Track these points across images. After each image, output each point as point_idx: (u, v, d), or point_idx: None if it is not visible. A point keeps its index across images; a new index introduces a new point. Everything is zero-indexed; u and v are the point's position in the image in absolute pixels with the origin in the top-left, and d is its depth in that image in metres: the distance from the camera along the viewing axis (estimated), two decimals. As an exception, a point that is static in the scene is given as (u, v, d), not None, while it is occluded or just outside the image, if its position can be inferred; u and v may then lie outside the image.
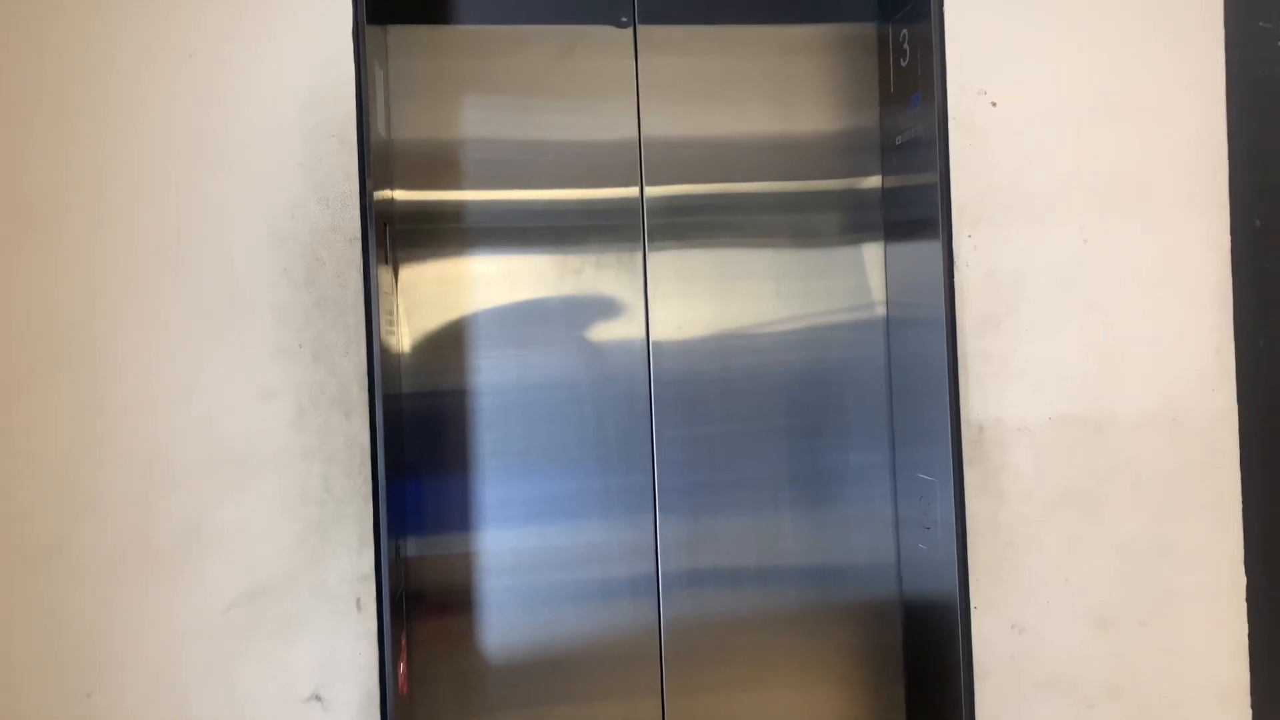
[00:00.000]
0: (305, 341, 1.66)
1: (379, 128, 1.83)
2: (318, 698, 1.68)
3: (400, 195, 2.02)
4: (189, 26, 1.67)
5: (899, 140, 2.05)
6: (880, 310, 2.13)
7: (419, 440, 2.01)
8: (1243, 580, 1.89)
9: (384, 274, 1.82)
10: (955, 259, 1.84)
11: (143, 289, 1.65)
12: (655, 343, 2.07)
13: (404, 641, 1.91)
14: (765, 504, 2.11)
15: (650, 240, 2.07)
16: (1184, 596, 1.88)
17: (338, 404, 1.67)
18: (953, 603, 1.85)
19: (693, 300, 2.09)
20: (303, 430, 1.66)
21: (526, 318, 2.04)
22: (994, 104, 1.86)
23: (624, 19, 2.09)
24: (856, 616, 2.13)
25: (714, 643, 2.08)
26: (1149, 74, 1.89)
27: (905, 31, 2.00)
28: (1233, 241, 1.92)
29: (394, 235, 1.98)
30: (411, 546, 2.01)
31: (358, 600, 1.68)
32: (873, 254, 2.14)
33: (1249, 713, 1.90)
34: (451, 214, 2.04)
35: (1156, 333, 1.89)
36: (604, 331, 2.06)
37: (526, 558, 2.04)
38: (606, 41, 2.09)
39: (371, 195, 1.68)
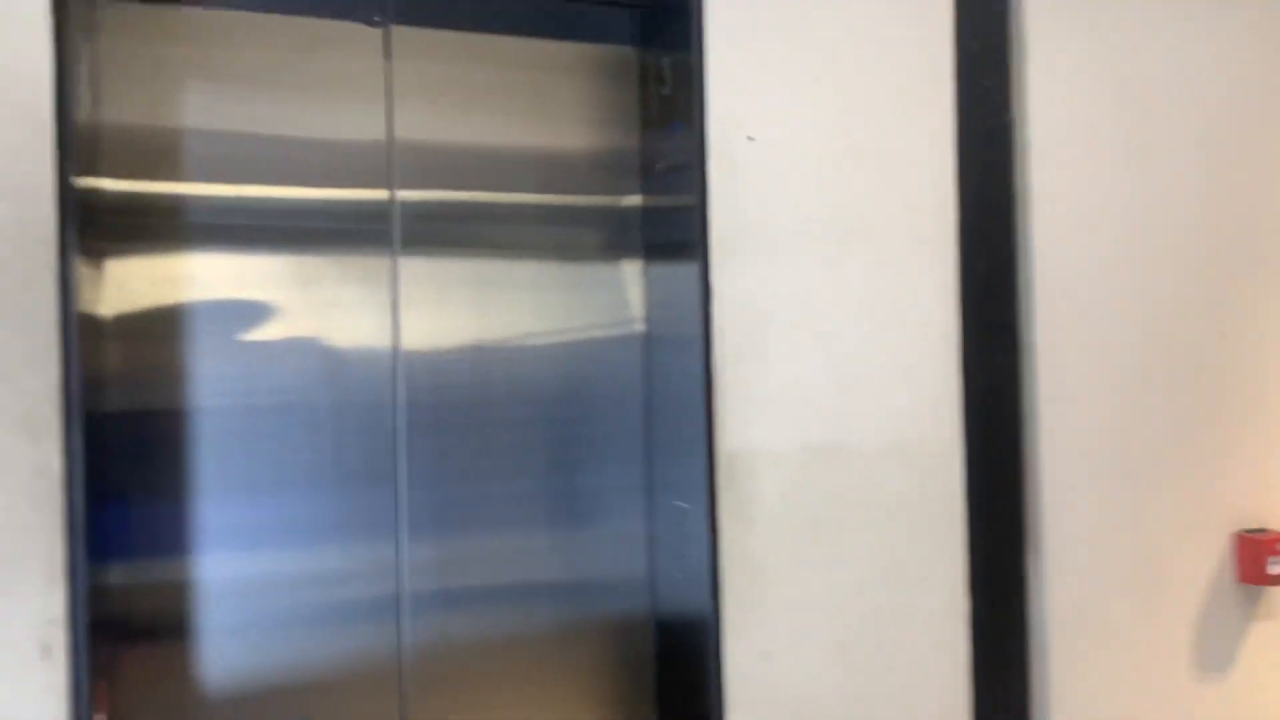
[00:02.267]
0: (-20, 355, 1.43)
1: (82, 116, 1.61)
2: (-8, 768, 1.44)
3: (110, 185, 1.79)
4: None
5: (659, 167, 2.06)
6: (639, 327, 2.13)
7: (131, 460, 1.79)
8: (965, 604, 2.02)
9: (88, 267, 1.60)
10: (712, 289, 1.85)
11: None
12: (405, 352, 1.96)
13: (104, 689, 1.68)
14: (519, 522, 2.05)
15: (404, 246, 1.97)
16: (912, 620, 1.97)
17: (22, 426, 1.44)
18: (705, 630, 1.85)
19: (447, 309, 2.00)
20: (-26, 457, 1.43)
21: (257, 322, 1.88)
22: (750, 139, 1.90)
23: (376, 18, 1.97)
24: (610, 630, 2.10)
25: (461, 664, 1.99)
26: (891, 123, 2.00)
27: (666, 60, 2.01)
28: (961, 283, 2.05)
29: (101, 230, 1.75)
30: (117, 574, 1.78)
31: (46, 647, 1.46)
32: (632, 272, 2.14)
33: (968, 730, 2.03)
34: (170, 208, 1.84)
35: (890, 367, 1.99)
36: (348, 337, 1.93)
37: (255, 583, 1.87)
38: (357, 39, 1.96)
39: (73, 190, 1.47)
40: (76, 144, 1.51)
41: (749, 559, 1.87)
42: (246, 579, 1.87)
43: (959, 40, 2.06)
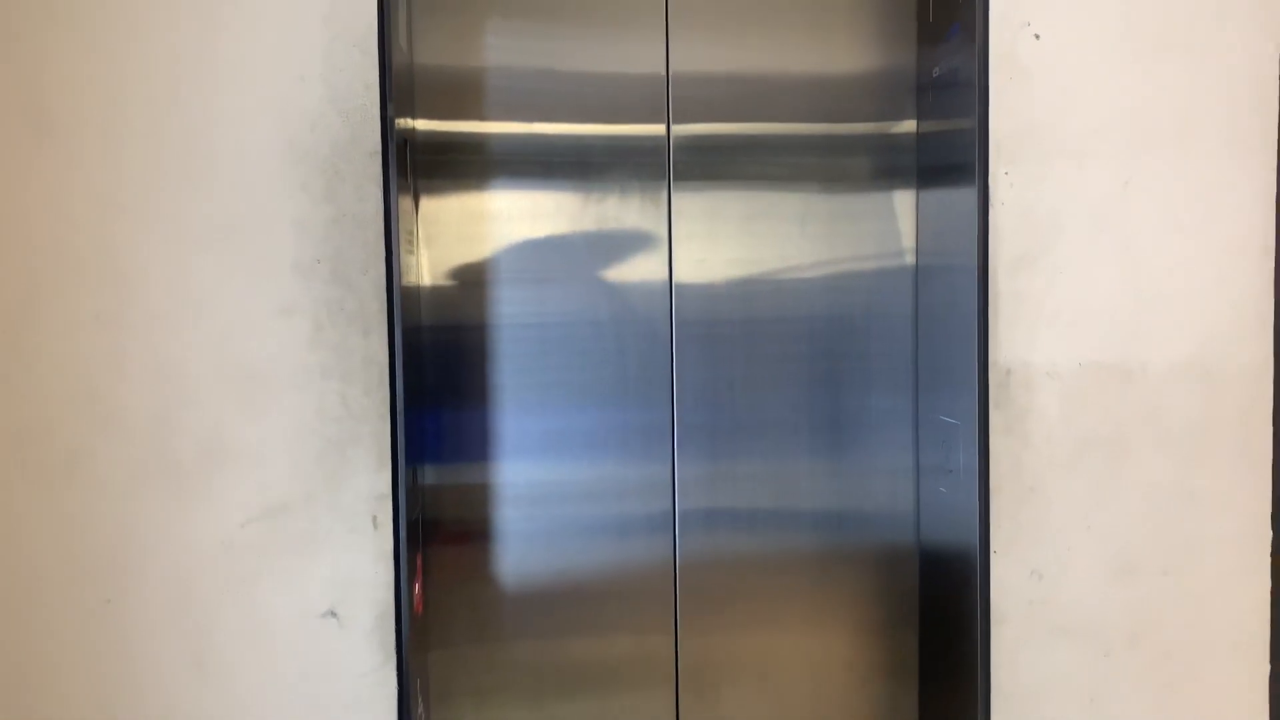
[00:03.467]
0: (324, 257, 1.65)
1: (400, 42, 1.79)
2: (333, 614, 1.69)
3: (421, 125, 1.98)
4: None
5: (936, 72, 1.98)
6: (909, 259, 2.09)
7: (439, 371, 2.00)
8: (1268, 534, 1.86)
9: (404, 198, 1.79)
10: (991, 197, 1.79)
11: (162, 202, 1.63)
12: (678, 283, 2.04)
13: (420, 564, 1.91)
14: (785, 447, 2.09)
15: (675, 179, 2.03)
16: (1207, 546, 1.85)
17: (356, 321, 1.66)
18: (972, 548, 1.83)
19: (718, 241, 2.05)
20: (320, 347, 1.65)
21: (547, 252, 2.02)
22: (1037, 36, 1.80)
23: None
24: (873, 560, 2.11)
25: (729, 582, 2.08)
26: (1198, 13, 1.82)
27: (947, -41, 1.93)
28: (1278, 188, 1.85)
29: (414, 164, 1.95)
30: (429, 474, 2.01)
31: (374, 519, 1.69)
32: (904, 201, 2.09)
33: (1267, 665, 1.88)
34: (473, 145, 2.00)
35: (1193, 280, 1.84)
36: (626, 269, 2.04)
37: (543, 490, 2.03)
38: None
39: (392, 109, 1.65)
40: (395, 73, 1.67)
41: (1020, 477, 1.81)
42: (536, 485, 2.04)
43: (1291, -85, 1.83)
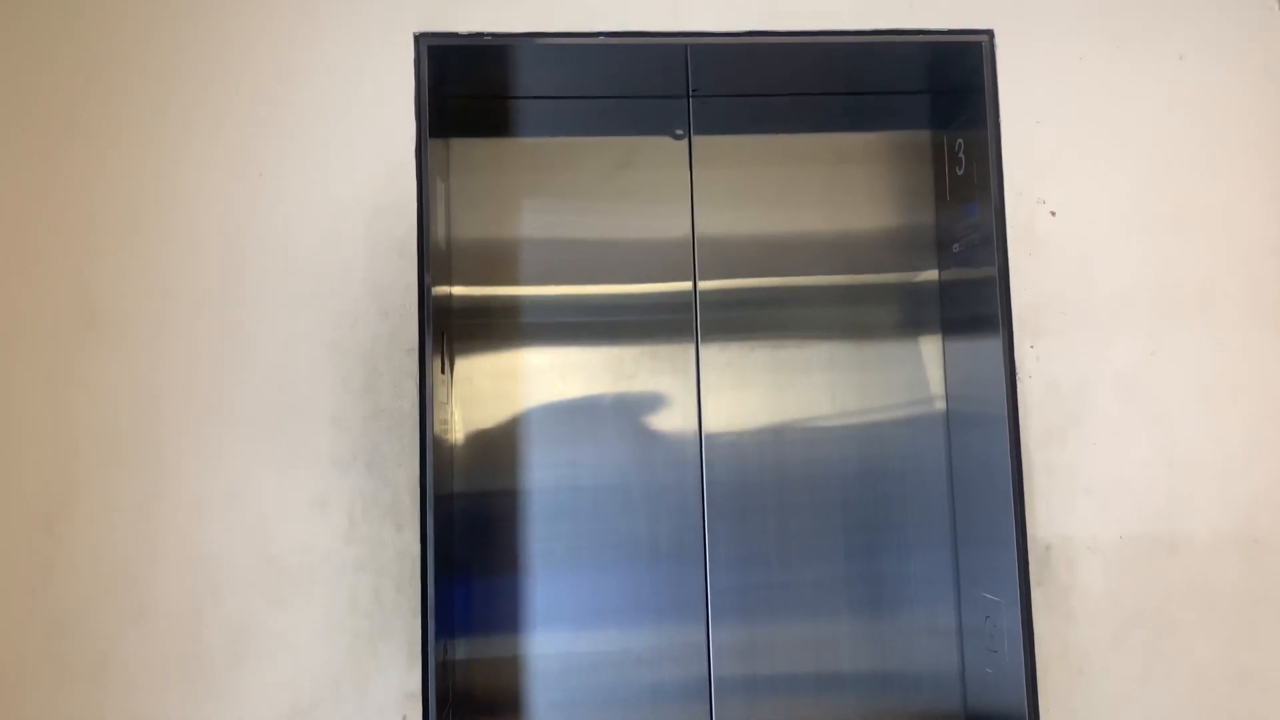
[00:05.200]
0: (360, 452, 1.67)
1: (438, 237, 1.86)
2: (361, 816, 1.64)
3: (458, 290, 2.06)
4: (261, 145, 1.73)
5: (956, 249, 2.03)
6: (939, 405, 2.10)
7: (469, 538, 2.00)
8: (1334, 715, 1.78)
9: (439, 384, 1.83)
10: (1018, 370, 1.80)
11: (204, 394, 1.67)
12: (708, 433, 2.06)
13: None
14: (822, 608, 2.06)
15: (705, 332, 2.08)
16: (1271, 731, 1.77)
17: (390, 515, 1.66)
18: (1023, 730, 1.76)
19: (746, 391, 2.08)
20: (354, 541, 1.66)
21: (578, 408, 2.06)
22: (1053, 213, 1.84)
23: (679, 131, 2.13)
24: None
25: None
26: (1210, 181, 1.87)
27: (961, 140, 2.00)
28: (1307, 353, 1.85)
29: (450, 330, 2.01)
30: (460, 648, 1.98)
31: (404, 718, 1.65)
32: (931, 349, 2.12)
33: None
34: (508, 308, 2.08)
35: (1229, 447, 1.82)
36: (657, 423, 2.06)
37: (575, 660, 2.00)
38: (662, 152, 2.12)
39: (430, 308, 1.70)
40: (433, 260, 1.74)
41: (1068, 657, 1.76)
42: (567, 655, 2.01)
43: (1292, 90, 1.90)
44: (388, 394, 1.68)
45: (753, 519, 2.06)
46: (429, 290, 1.70)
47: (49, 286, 1.67)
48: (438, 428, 1.77)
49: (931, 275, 2.14)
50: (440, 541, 1.72)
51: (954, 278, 2.06)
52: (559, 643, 2.00)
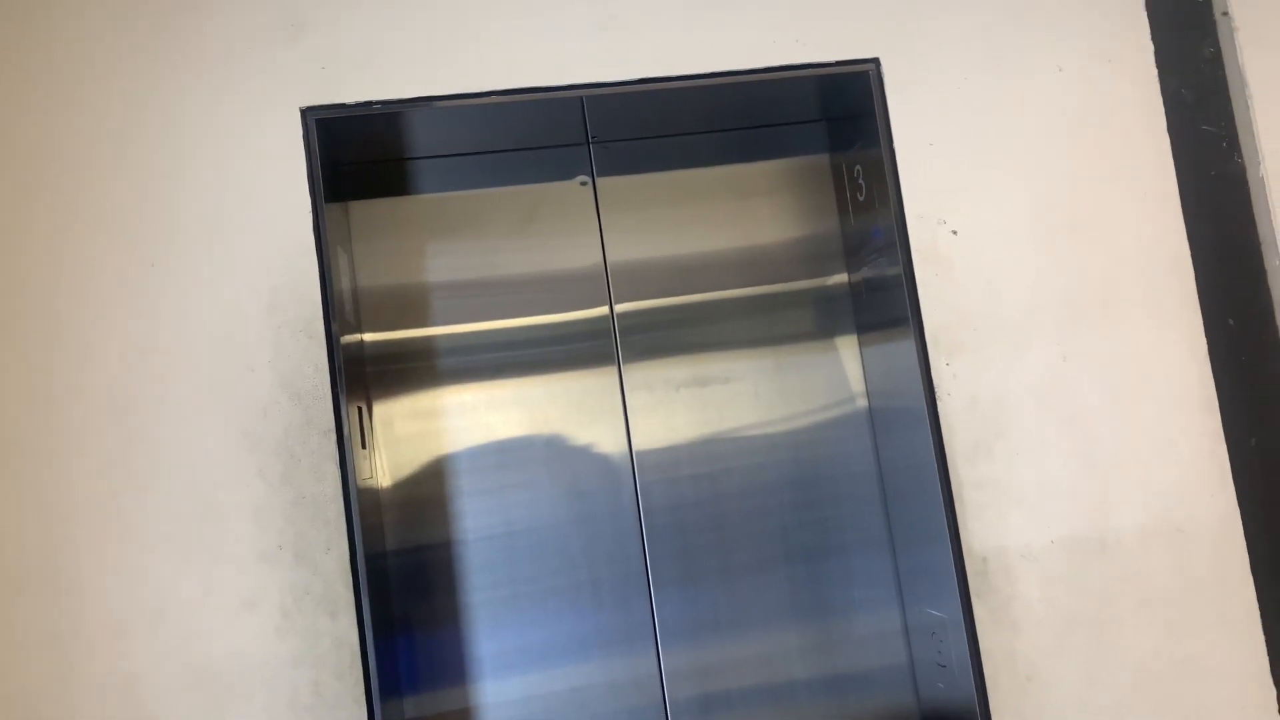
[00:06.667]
0: (285, 543, 1.62)
1: (342, 289, 1.83)
2: None
3: (369, 337, 2.03)
4: (151, 233, 1.67)
5: (865, 272, 2.06)
6: (861, 403, 2.14)
7: (406, 595, 1.97)
8: (1272, 693, 1.83)
9: (361, 461, 1.79)
10: (936, 390, 1.83)
11: (115, 508, 1.60)
12: (639, 453, 2.06)
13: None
14: (768, 618, 2.07)
15: (624, 356, 2.09)
16: (1212, 716, 1.81)
17: (323, 604, 1.61)
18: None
19: (673, 407, 2.09)
20: (288, 636, 1.60)
21: (507, 448, 2.05)
22: (954, 232, 1.88)
23: (583, 178, 2.12)
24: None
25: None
26: (1105, 191, 1.92)
27: (859, 166, 2.04)
28: (1209, 341, 1.92)
29: (365, 378, 1.98)
30: (410, 707, 1.94)
31: (355, 808, 1.60)
32: (848, 351, 2.16)
33: (1299, 839, 1.82)
34: (422, 350, 2.05)
35: (1145, 443, 1.87)
36: (587, 450, 2.06)
37: (528, 706, 1.98)
38: (569, 198, 2.12)
39: (345, 387, 1.66)
40: (339, 317, 1.71)
41: (1016, 666, 1.78)
42: (520, 701, 1.98)
43: (1166, 94, 1.97)
44: (308, 479, 1.63)
45: (692, 536, 2.07)
46: (341, 368, 1.66)
47: (-64, 404, 1.59)
48: (362, 482, 1.72)
49: (841, 279, 2.17)
50: (377, 608, 1.67)
51: (864, 279, 2.09)
52: (510, 689, 1.97)
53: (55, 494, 1.60)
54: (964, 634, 1.78)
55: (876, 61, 1.90)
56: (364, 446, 1.86)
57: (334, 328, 1.67)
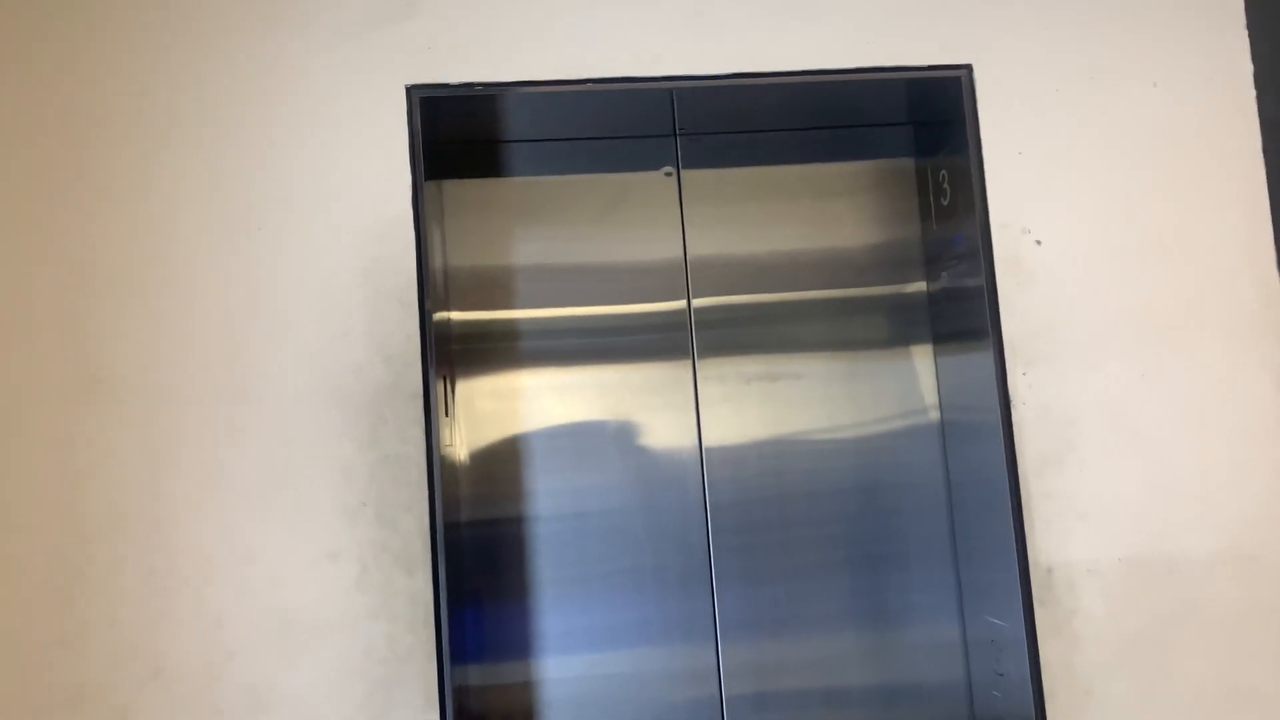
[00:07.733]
0: (369, 500, 1.68)
1: (435, 267, 1.88)
2: None
3: (456, 316, 2.09)
4: (258, 200, 1.75)
5: (945, 278, 2.07)
6: (934, 415, 2.14)
7: (478, 567, 2.03)
8: (1335, 726, 1.81)
9: (443, 425, 1.85)
10: (1011, 398, 1.83)
11: (209, 455, 1.68)
12: (708, 449, 2.09)
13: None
14: (828, 623, 2.09)
15: (699, 351, 2.12)
16: (1272, 746, 1.79)
17: (401, 561, 1.68)
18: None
19: (743, 406, 2.11)
20: (366, 589, 1.67)
21: (579, 429, 2.10)
22: (1038, 242, 1.89)
23: (669, 169, 2.17)
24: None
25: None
26: (1194, 208, 1.91)
27: (944, 171, 2.05)
28: (1291, 369, 1.89)
29: (451, 356, 2.04)
30: (473, 675, 1.99)
31: (419, 762, 1.66)
32: (923, 362, 2.16)
33: None
34: (504, 332, 2.11)
35: (1220, 466, 1.85)
36: (657, 441, 2.10)
37: (588, 684, 2.03)
38: (653, 188, 2.16)
39: (434, 354, 1.72)
40: (431, 290, 1.77)
41: (1074, 680, 1.78)
42: (580, 680, 2.03)
43: (1263, 115, 1.95)
44: (393, 440, 1.70)
45: (756, 534, 2.09)
46: (431, 336, 1.72)
47: (49, 352, 1.68)
48: (444, 449, 1.78)
49: (920, 287, 2.18)
50: (450, 574, 1.73)
51: (943, 289, 2.10)
52: (570, 667, 2.02)
53: (160, 439, 1.68)
54: (1024, 646, 1.78)
55: (969, 68, 1.91)
56: (447, 414, 1.92)
57: (426, 300, 1.73)
